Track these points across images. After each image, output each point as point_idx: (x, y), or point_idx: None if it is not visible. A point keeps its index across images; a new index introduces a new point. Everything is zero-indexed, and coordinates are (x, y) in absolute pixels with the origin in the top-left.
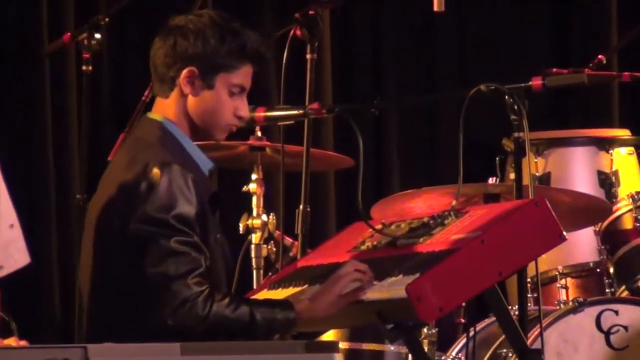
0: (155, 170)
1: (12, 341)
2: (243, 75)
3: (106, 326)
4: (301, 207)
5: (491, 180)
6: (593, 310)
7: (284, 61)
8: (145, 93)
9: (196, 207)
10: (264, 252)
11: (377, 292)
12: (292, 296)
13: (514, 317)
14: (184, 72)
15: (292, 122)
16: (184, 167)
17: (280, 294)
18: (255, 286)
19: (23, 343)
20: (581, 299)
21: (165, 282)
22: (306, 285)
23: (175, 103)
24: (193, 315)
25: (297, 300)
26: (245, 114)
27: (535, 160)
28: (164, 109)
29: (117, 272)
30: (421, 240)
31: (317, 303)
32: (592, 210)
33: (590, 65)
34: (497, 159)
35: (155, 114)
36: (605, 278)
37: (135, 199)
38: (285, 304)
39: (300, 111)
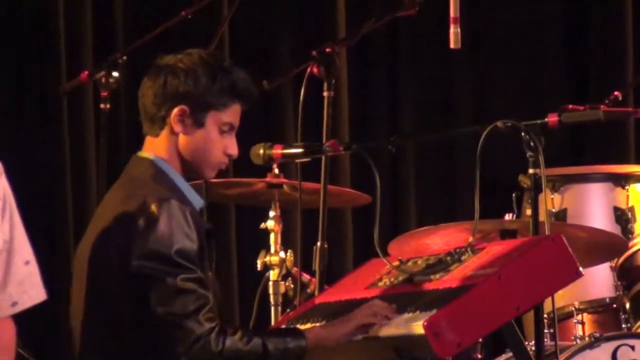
0: (154, 206)
1: None
2: (233, 113)
3: None
4: (319, 243)
5: (508, 217)
6: (609, 346)
7: (301, 98)
8: None
9: (197, 242)
10: (282, 289)
11: (394, 328)
12: (308, 328)
13: (531, 353)
14: (175, 110)
15: (310, 159)
16: (179, 200)
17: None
18: (273, 322)
19: None
20: (597, 335)
21: (176, 321)
22: (324, 322)
23: (166, 142)
24: (207, 351)
25: (308, 329)
26: (234, 151)
27: (552, 196)
28: (155, 147)
29: (118, 311)
30: (438, 276)
31: (329, 331)
32: (609, 246)
33: (606, 101)
34: (514, 195)
35: (146, 153)
36: (621, 313)
37: (134, 235)
38: (296, 332)
39: (318, 148)
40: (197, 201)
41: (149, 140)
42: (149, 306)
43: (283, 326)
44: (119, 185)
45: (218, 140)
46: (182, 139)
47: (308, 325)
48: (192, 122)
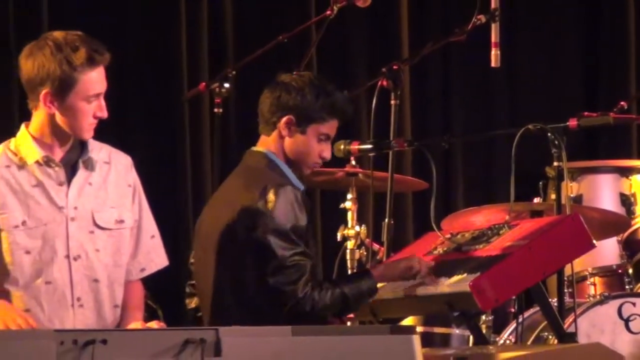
0: (273, 191)
1: (154, 324)
2: (330, 126)
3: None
4: (386, 220)
5: (536, 200)
6: (616, 303)
7: (373, 105)
8: None
9: (305, 220)
10: (357, 256)
11: (447, 287)
12: (372, 265)
13: (554, 308)
14: (284, 119)
15: (379, 153)
16: (293, 186)
17: None
18: None
19: (162, 325)
20: (606, 294)
21: (281, 289)
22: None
23: (275, 141)
24: (303, 311)
25: (374, 268)
26: (328, 156)
27: (571, 184)
28: (267, 144)
29: (243, 277)
30: (481, 246)
31: (387, 270)
32: (616, 224)
33: (615, 109)
34: (541, 183)
35: (259, 147)
36: (625, 277)
37: (257, 215)
38: (365, 273)
39: (386, 145)
40: (299, 185)
41: (262, 138)
42: (265, 275)
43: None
44: (237, 173)
45: (315, 146)
46: (287, 141)
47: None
48: (296, 129)
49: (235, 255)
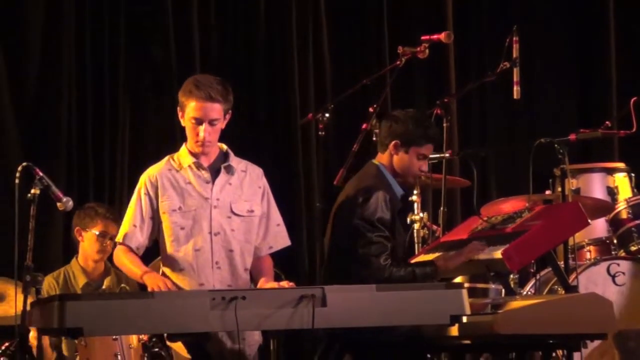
0: (370, 191)
1: (285, 284)
2: (426, 149)
3: (335, 278)
4: (442, 208)
5: (548, 192)
6: (605, 264)
7: None
8: (363, 126)
9: (389, 215)
10: (421, 234)
11: (486, 254)
12: (436, 257)
13: (562, 268)
14: (393, 142)
15: (436, 161)
16: (386, 191)
17: (430, 256)
18: (416, 252)
19: (292, 284)
20: (598, 258)
21: (367, 258)
22: (445, 252)
23: (387, 157)
24: (382, 278)
25: (437, 259)
26: (425, 170)
27: (572, 180)
28: (381, 158)
29: (342, 246)
30: (509, 225)
31: (450, 260)
32: (604, 208)
33: (602, 127)
34: (550, 180)
35: (376, 161)
36: (611, 245)
37: (355, 207)
38: (430, 263)
39: (441, 155)
40: (399, 190)
41: (379, 154)
42: (357, 247)
43: (423, 256)
44: (358, 175)
45: (415, 163)
46: (395, 158)
47: (436, 254)
48: (402, 150)
49: (341, 232)
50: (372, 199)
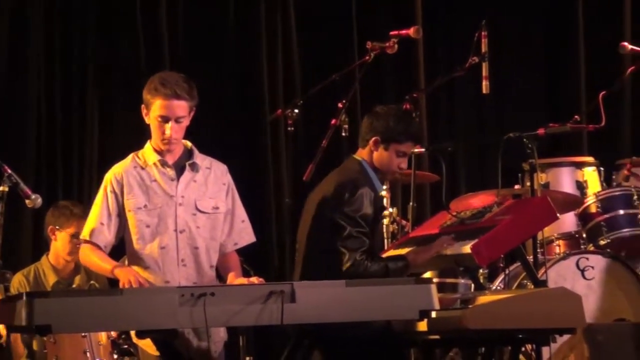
0: (356, 188)
1: (255, 279)
2: (407, 147)
3: (308, 272)
4: (411, 203)
5: (517, 186)
6: (574, 258)
7: None
8: (332, 122)
9: (372, 212)
10: (391, 229)
11: (454, 249)
12: (406, 253)
13: (531, 263)
14: (373, 138)
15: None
16: (370, 188)
17: (400, 251)
18: (386, 247)
19: (261, 280)
20: (567, 252)
21: (346, 252)
22: (414, 247)
23: (367, 153)
24: (358, 271)
25: (408, 254)
26: (404, 167)
27: (541, 175)
28: (361, 154)
29: (320, 240)
30: (478, 220)
31: (419, 254)
32: (573, 202)
33: (571, 121)
34: (520, 174)
35: (357, 156)
36: (580, 240)
37: (340, 202)
38: (402, 257)
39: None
40: (379, 187)
41: (360, 150)
42: (335, 241)
43: (392, 251)
44: (339, 170)
45: (395, 160)
46: (375, 154)
47: (406, 249)
48: (381, 147)
49: (322, 224)
50: (358, 195)
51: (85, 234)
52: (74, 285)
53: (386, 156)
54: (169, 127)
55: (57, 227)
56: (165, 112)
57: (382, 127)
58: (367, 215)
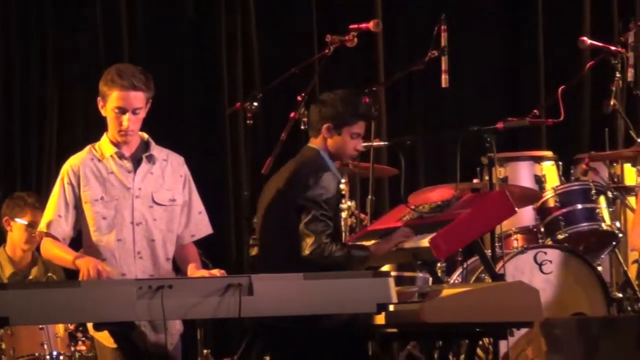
0: (319, 173)
1: (216, 272)
2: (359, 127)
3: (271, 261)
4: (369, 197)
5: (475, 180)
6: (532, 252)
7: None
8: (291, 115)
9: (334, 196)
10: (349, 223)
11: (413, 242)
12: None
13: (489, 256)
14: (325, 125)
15: (365, 149)
16: (332, 173)
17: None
18: (344, 241)
19: (223, 272)
20: (525, 246)
21: (311, 235)
22: (373, 240)
23: (321, 141)
24: (323, 255)
25: (370, 245)
26: (360, 149)
27: (499, 169)
28: (314, 143)
29: (283, 227)
30: (437, 213)
31: (380, 246)
32: (531, 196)
33: (530, 115)
34: (478, 168)
35: (312, 145)
36: (538, 234)
37: (303, 187)
38: (364, 247)
39: (369, 143)
40: (338, 174)
41: (312, 139)
42: (300, 224)
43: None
44: (295, 160)
45: (350, 143)
46: (329, 141)
47: (365, 243)
48: (335, 132)
49: (284, 210)
50: (322, 179)
51: (42, 226)
52: (30, 277)
53: (340, 140)
54: (126, 118)
55: (11, 217)
56: (122, 104)
57: (332, 113)
58: (331, 199)
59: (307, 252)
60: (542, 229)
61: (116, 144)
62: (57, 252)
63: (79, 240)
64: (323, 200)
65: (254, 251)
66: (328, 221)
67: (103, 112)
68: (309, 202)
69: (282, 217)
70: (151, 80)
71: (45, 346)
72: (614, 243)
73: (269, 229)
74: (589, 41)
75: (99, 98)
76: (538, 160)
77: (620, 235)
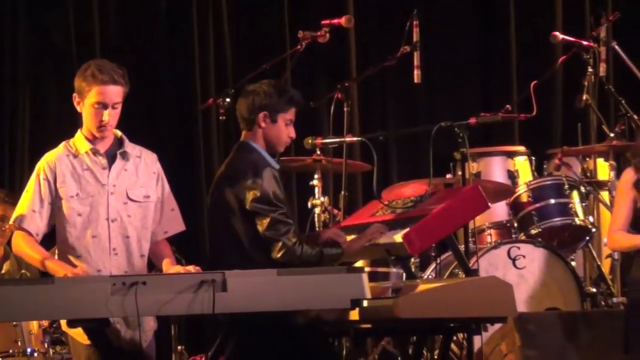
0: (259, 170)
1: (191, 268)
2: (291, 113)
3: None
4: (342, 192)
5: (448, 176)
6: (505, 247)
7: (331, 111)
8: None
9: (279, 188)
10: (322, 219)
11: (386, 238)
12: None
13: (462, 252)
14: (260, 115)
15: (337, 145)
16: (270, 167)
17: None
18: None
19: (198, 269)
20: (499, 241)
21: (276, 238)
22: (347, 236)
23: (256, 133)
24: (293, 256)
25: (343, 242)
26: (294, 136)
27: (472, 164)
28: (250, 136)
29: (238, 234)
30: (410, 209)
31: (352, 242)
32: (504, 191)
33: (502, 110)
34: (451, 163)
35: (245, 140)
36: (512, 229)
37: (246, 188)
38: (336, 243)
39: (342, 139)
40: (275, 165)
41: (244, 133)
42: (258, 230)
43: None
44: (232, 158)
45: (284, 130)
46: (264, 130)
47: None
48: (270, 121)
49: (233, 218)
50: (263, 178)
51: (14, 219)
52: (2, 272)
53: (275, 129)
54: (107, 113)
55: None
56: (102, 99)
57: (266, 101)
58: (279, 195)
59: (277, 255)
60: (516, 224)
61: (91, 140)
62: (27, 250)
63: (53, 236)
64: (272, 197)
65: None
66: (286, 219)
67: (79, 108)
68: (258, 205)
69: (236, 224)
70: (127, 75)
71: (20, 343)
72: (587, 238)
73: (226, 237)
74: (561, 36)
75: (74, 94)
76: (511, 155)
77: (594, 230)
